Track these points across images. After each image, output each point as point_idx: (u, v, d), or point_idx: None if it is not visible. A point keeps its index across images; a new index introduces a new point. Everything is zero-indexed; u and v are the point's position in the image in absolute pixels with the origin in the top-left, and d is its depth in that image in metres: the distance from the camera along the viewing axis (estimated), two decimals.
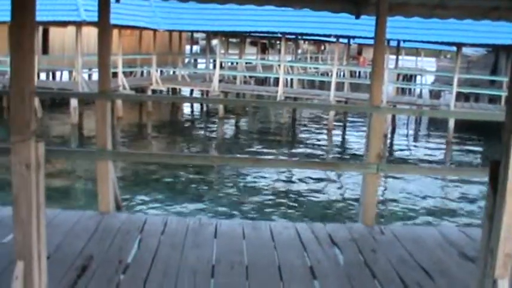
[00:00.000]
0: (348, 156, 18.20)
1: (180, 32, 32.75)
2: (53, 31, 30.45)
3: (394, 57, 27.48)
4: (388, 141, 21.36)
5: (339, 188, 13.37)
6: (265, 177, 13.91)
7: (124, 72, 24.88)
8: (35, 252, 3.42)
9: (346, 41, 32.49)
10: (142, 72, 31.68)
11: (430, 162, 17.60)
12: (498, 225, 2.73)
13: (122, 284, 4.21)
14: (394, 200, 12.28)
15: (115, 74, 23.91)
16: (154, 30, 25.61)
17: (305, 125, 25.13)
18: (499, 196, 2.73)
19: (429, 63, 54.02)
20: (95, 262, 4.51)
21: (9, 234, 4.75)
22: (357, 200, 10.78)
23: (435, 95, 33.21)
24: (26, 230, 3.37)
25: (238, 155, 15.74)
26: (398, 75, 34.65)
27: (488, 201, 2.86)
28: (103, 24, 5.95)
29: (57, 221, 5.40)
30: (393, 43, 26.57)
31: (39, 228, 3.43)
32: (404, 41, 26.64)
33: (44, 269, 3.53)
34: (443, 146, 20.71)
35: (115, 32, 24.61)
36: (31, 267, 3.42)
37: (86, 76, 25.83)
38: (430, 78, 43.38)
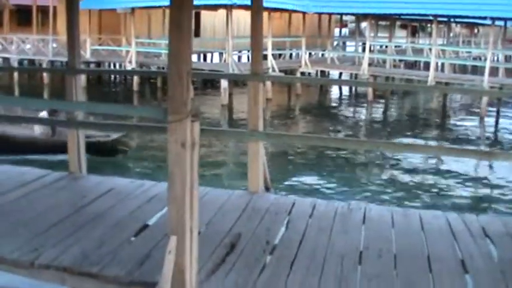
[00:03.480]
0: (502, 146, 17.18)
1: (329, 14, 32.57)
2: (204, 14, 31.45)
3: None
4: None
5: (492, 178, 12.66)
6: (413, 163, 13.49)
7: (273, 55, 25.14)
8: (188, 228, 3.51)
9: (502, 23, 30.59)
10: (291, 55, 31.87)
11: None
12: None
13: (269, 264, 4.23)
14: None
15: (265, 56, 24.18)
16: (304, 13, 25.61)
17: (456, 111, 24.09)
18: None
19: None
20: (243, 241, 4.57)
21: (162, 209, 4.94)
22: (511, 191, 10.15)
23: None
24: (179, 206, 3.45)
25: (388, 140, 15.39)
26: None
27: None
28: (256, 7, 6.00)
29: (208, 198, 5.54)
30: None
31: (192, 205, 3.50)
32: None
33: (196, 244, 3.62)
34: None
35: (265, 14, 24.90)
36: (184, 243, 3.52)
37: (235, 58, 26.45)
38: None
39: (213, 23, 32.35)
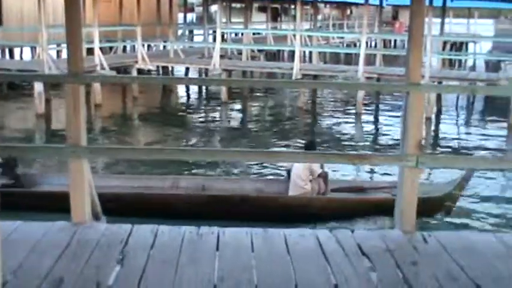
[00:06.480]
0: (382, 147, 18.17)
1: None
2: None
3: (439, 20, 27.29)
4: (433, 127, 21.29)
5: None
6: (280, 174, 13.92)
7: (102, 48, 24.88)
8: None
9: (377, 2, 32.36)
10: (124, 48, 31.69)
11: (486, 152, 17.52)
12: None
13: None
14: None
15: (90, 51, 23.94)
16: None
17: (328, 109, 25.09)
18: None
19: (485, 27, 53.65)
20: (67, 286, 4.51)
21: None
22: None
23: (493, 66, 33.01)
24: None
25: (247, 148, 15.73)
26: (445, 43, 34.46)
27: None
28: None
29: (17, 235, 5.39)
30: (438, 2, 26.38)
31: None
32: None
33: None
34: (504, 132, 20.59)
35: None
36: None
37: (53, 53, 25.82)
38: (486, 46, 43.11)
39: (20, 8, 31.39)
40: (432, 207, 10.79)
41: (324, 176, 11.08)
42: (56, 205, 9.42)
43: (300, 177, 11.02)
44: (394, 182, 11.70)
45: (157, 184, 11.70)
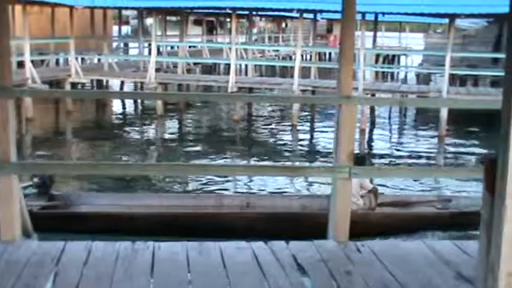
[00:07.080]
0: (317, 158, 18.32)
1: (105, 8, 32.51)
2: None
3: (371, 34, 27.68)
4: (367, 138, 21.58)
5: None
6: (219, 188, 13.90)
7: (33, 61, 24.45)
8: None
9: (312, 16, 32.65)
10: (57, 61, 31.26)
11: (418, 161, 17.83)
12: (498, 238, 2.71)
13: None
14: None
15: (21, 64, 23.52)
16: (71, 7, 25.28)
17: (264, 121, 25.18)
18: (497, 201, 2.72)
19: (416, 40, 54.70)
20: None
21: None
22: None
23: (423, 79, 33.69)
24: None
25: (183, 162, 15.68)
26: (378, 56, 34.98)
27: (485, 207, 2.86)
28: None
29: None
30: (370, 16, 26.76)
31: None
32: (383, 13, 26.81)
33: None
34: (435, 142, 20.97)
35: (18, 8, 24.19)
36: None
37: None
38: (417, 59, 43.89)
39: None
40: (470, 221, 10.90)
41: (374, 191, 10.75)
42: (96, 226, 9.23)
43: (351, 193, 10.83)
44: (439, 196, 11.84)
45: (200, 203, 11.23)
